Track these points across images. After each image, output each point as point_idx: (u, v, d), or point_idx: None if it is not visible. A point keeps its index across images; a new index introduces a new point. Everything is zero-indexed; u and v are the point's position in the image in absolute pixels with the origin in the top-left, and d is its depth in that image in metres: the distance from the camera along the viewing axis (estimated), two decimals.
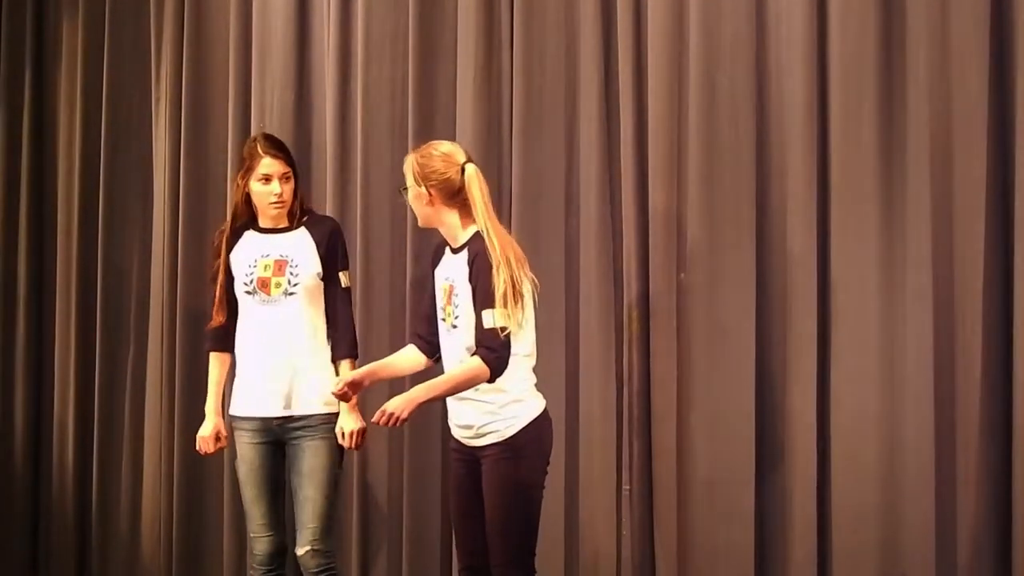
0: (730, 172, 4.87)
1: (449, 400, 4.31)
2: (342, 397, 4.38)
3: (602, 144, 5.11)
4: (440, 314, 4.35)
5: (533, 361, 4.30)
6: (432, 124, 5.40)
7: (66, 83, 6.62)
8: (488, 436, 4.24)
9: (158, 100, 6.21)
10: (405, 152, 5.35)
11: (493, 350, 4.13)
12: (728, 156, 4.87)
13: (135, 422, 6.32)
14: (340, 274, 4.84)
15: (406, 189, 4.36)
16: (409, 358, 4.52)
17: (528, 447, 4.26)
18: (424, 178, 4.29)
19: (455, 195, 4.28)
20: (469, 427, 4.28)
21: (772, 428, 4.83)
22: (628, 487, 5.03)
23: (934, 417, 4.57)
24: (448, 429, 4.42)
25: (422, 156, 4.33)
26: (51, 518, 6.63)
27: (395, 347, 5.34)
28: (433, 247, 4.50)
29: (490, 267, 4.16)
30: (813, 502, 4.72)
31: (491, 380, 4.16)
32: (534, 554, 4.30)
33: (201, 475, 5.93)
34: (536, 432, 4.28)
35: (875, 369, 4.66)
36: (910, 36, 4.64)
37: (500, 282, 4.14)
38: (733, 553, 4.85)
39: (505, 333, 4.14)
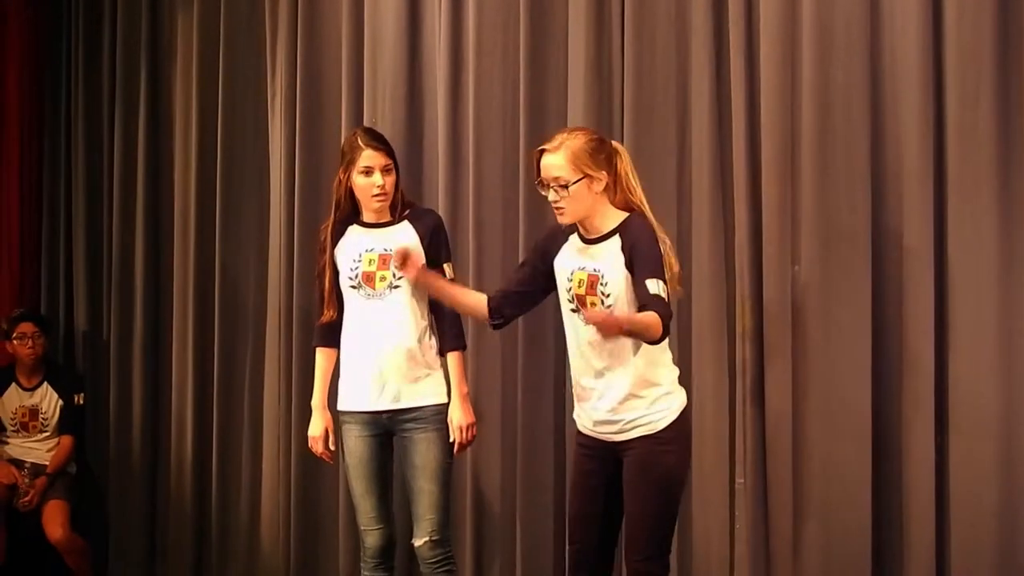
0: (844, 164, 4.80)
1: (590, 394, 4.23)
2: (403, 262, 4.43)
3: (714, 136, 5.06)
4: (571, 304, 4.23)
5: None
6: (543, 116, 5.40)
7: (182, 80, 6.71)
8: (637, 429, 4.17)
9: (273, 96, 6.28)
10: (516, 144, 5.40)
11: (662, 313, 3.99)
12: (842, 148, 4.80)
13: (253, 418, 6.40)
14: (445, 266, 4.86)
15: (565, 186, 4.13)
16: (475, 299, 4.50)
17: (677, 439, 4.21)
18: (606, 163, 4.18)
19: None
20: (614, 422, 4.20)
21: (888, 422, 4.77)
22: (742, 480, 4.99)
23: None
24: (570, 424, 4.40)
25: (588, 142, 4.17)
26: (169, 512, 6.74)
27: (506, 340, 5.41)
28: (545, 235, 4.45)
29: (655, 241, 4.10)
30: (931, 498, 4.66)
31: (657, 341, 4.03)
32: (671, 549, 4.28)
33: (318, 469, 5.93)
34: (683, 425, 4.24)
35: (995, 364, 4.58)
36: None
37: (669, 260, 4.13)
38: (849, 547, 4.80)
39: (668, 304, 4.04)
